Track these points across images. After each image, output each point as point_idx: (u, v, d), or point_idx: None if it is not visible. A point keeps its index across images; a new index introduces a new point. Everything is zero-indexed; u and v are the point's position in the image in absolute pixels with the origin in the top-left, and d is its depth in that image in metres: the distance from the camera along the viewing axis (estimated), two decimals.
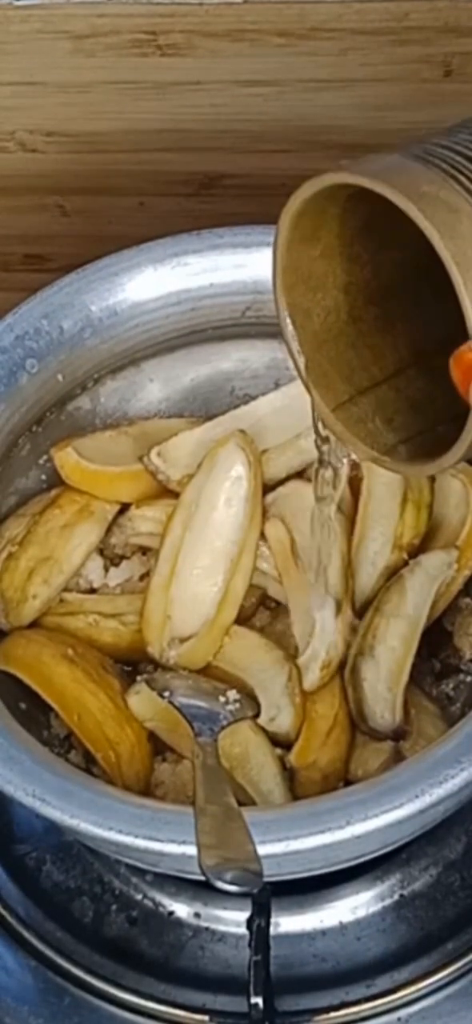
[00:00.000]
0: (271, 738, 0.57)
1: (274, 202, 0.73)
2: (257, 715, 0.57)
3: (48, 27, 0.68)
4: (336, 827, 0.48)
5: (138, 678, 0.59)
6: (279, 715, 0.57)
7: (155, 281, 0.64)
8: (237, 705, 0.57)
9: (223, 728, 0.55)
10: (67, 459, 0.64)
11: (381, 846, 0.54)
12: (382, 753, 0.57)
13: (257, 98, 0.71)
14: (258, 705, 0.58)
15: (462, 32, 0.68)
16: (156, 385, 0.68)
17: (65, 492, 0.64)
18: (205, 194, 0.76)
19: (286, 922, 0.59)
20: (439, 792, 0.49)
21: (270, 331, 0.65)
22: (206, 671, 0.60)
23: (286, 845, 0.48)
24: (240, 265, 0.64)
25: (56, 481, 0.65)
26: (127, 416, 0.68)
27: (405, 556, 0.61)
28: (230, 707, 0.57)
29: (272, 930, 0.55)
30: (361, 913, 0.60)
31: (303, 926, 0.59)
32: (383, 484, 0.62)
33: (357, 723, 0.58)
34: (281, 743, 0.57)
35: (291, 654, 0.60)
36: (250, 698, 0.58)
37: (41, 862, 0.62)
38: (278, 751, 0.57)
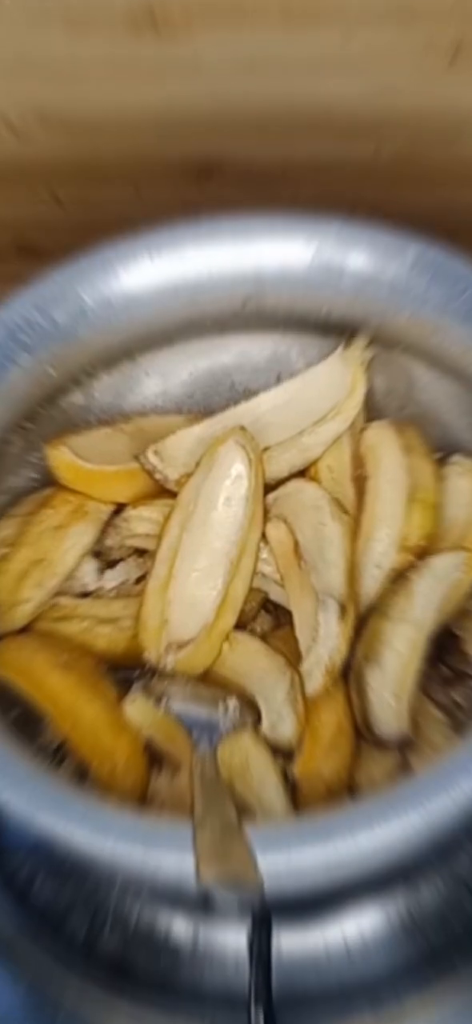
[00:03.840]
0: (273, 746, 0.56)
1: (276, 189, 0.73)
2: (258, 723, 0.56)
3: (40, 4, 0.67)
4: (341, 842, 0.48)
5: (134, 685, 0.58)
6: (281, 723, 0.56)
7: (152, 271, 0.63)
8: (237, 713, 0.56)
9: (223, 737, 0.55)
10: (61, 458, 0.63)
11: (388, 863, 0.52)
12: (388, 763, 0.55)
13: (258, 82, 0.70)
14: (259, 713, 0.57)
15: (469, 17, 0.67)
16: (153, 380, 0.67)
17: (58, 492, 0.63)
18: (204, 181, 0.74)
19: (288, 939, 0.58)
20: (448, 805, 0.48)
21: (271, 323, 0.66)
22: (205, 678, 0.59)
23: (288, 860, 0.47)
24: (240, 254, 0.63)
25: (49, 480, 0.64)
26: (123, 412, 0.67)
27: (412, 558, 0.60)
28: (230, 715, 0.56)
29: (274, 948, 0.54)
30: (366, 929, 0.58)
31: (306, 943, 0.58)
32: (389, 483, 0.61)
33: (362, 731, 0.57)
34: (283, 751, 0.56)
35: (293, 660, 0.58)
36: (251, 705, 0.57)
37: (34, 878, 0.60)
38: (280, 760, 0.56)
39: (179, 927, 0.58)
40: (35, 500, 0.63)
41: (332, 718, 0.57)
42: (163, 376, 0.67)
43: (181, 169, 0.74)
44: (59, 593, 0.62)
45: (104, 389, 0.66)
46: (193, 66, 0.69)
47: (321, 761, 0.56)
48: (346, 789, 0.56)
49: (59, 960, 0.58)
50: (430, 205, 0.74)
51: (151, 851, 0.48)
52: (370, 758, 0.56)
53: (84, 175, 0.74)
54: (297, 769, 0.55)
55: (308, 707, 0.57)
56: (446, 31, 0.67)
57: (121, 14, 0.67)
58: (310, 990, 0.58)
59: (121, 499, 0.63)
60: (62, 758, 0.58)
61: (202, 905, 0.57)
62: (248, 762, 0.55)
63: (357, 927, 0.58)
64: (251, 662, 0.59)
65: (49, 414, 0.64)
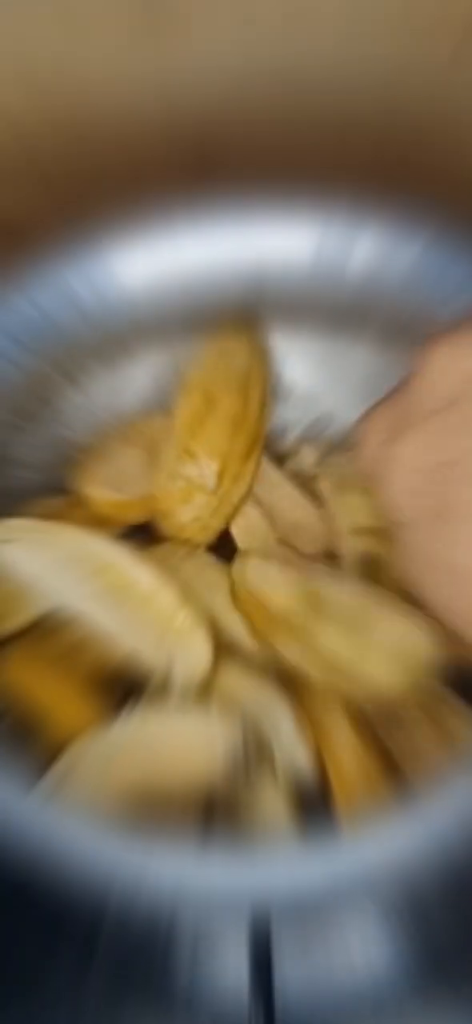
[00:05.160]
0: (291, 781, 0.56)
1: (277, 176, 0.67)
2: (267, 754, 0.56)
3: None
4: (343, 865, 0.48)
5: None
6: (296, 756, 0.56)
7: (147, 263, 0.61)
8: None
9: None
10: (99, 495, 0.62)
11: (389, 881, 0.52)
12: None
13: (258, 69, 0.67)
14: (261, 739, 0.57)
15: None
16: (150, 377, 0.66)
17: (70, 506, 0.63)
18: (203, 171, 0.71)
19: (291, 960, 0.58)
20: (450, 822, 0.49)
21: (273, 318, 0.64)
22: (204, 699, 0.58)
23: (291, 879, 0.48)
24: (240, 246, 0.61)
25: (47, 481, 0.63)
26: (119, 410, 0.65)
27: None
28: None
29: (275, 965, 0.56)
30: (369, 945, 0.59)
31: (308, 957, 0.58)
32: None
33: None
34: (302, 783, 0.56)
35: (288, 674, 0.57)
36: (253, 731, 0.56)
37: (29, 891, 0.58)
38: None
39: (179, 950, 0.59)
40: (45, 509, 0.62)
41: (351, 756, 0.56)
42: (161, 373, 0.66)
43: (178, 152, 0.71)
44: None
45: (100, 387, 0.64)
46: (192, 53, 0.66)
47: (358, 797, 0.55)
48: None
49: (57, 979, 0.58)
50: (456, 167, 0.70)
51: (147, 869, 0.48)
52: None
53: (74, 157, 0.71)
54: (340, 812, 0.55)
55: (321, 737, 0.56)
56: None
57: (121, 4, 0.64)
58: (312, 1008, 0.58)
59: (144, 519, 0.63)
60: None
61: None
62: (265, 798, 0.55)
63: (360, 943, 0.59)
64: (244, 690, 0.57)
65: (44, 412, 0.63)
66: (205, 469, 0.61)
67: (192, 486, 0.61)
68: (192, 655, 0.57)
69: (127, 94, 0.68)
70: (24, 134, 0.70)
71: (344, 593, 0.57)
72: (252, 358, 0.63)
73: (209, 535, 0.62)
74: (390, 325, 0.61)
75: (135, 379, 0.65)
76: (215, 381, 0.62)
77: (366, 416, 0.49)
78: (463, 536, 0.44)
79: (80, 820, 0.50)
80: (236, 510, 0.62)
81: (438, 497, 0.44)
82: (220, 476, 0.61)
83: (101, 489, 0.62)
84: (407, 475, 0.45)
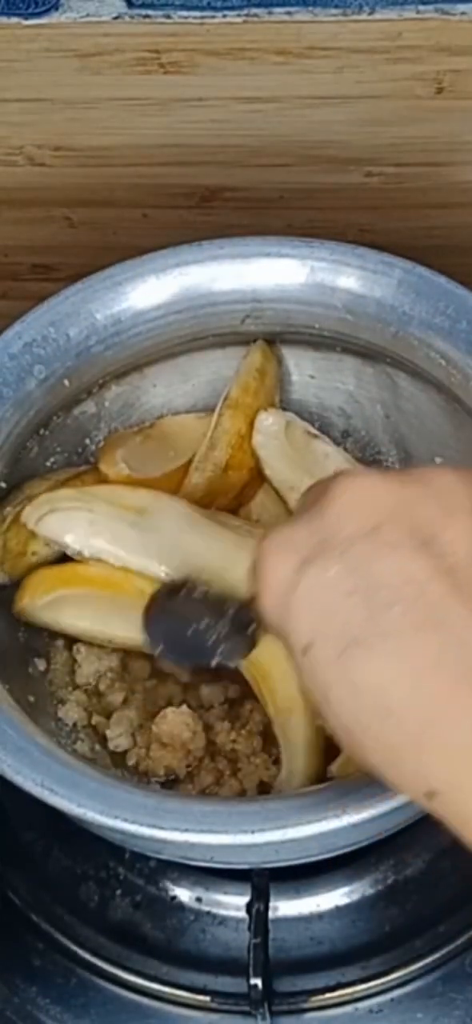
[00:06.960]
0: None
1: (272, 214, 0.75)
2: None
3: (55, 46, 0.69)
4: (332, 816, 0.48)
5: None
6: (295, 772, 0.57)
7: (157, 290, 0.64)
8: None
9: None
10: (119, 473, 0.65)
11: (375, 834, 0.55)
12: None
13: (256, 114, 0.72)
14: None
15: (453, 51, 0.68)
16: (159, 390, 0.69)
17: (90, 471, 0.65)
18: (206, 206, 0.76)
19: (284, 906, 0.60)
20: None
21: (268, 337, 0.68)
22: None
23: (284, 833, 0.48)
24: (239, 275, 0.65)
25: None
26: (131, 420, 0.69)
27: None
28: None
29: (271, 914, 0.56)
30: (356, 897, 0.61)
31: (300, 910, 0.61)
32: None
33: None
34: None
35: None
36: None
37: (49, 849, 0.63)
38: None
39: (183, 896, 0.61)
40: (68, 472, 0.65)
41: None
42: (168, 386, 0.69)
43: (185, 195, 0.75)
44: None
45: (114, 399, 0.68)
46: (196, 100, 0.71)
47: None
48: None
49: (73, 927, 0.60)
50: (415, 227, 0.76)
51: (158, 826, 0.48)
52: None
53: (95, 201, 0.76)
54: (337, 770, 0.56)
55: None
56: (431, 65, 0.69)
57: (130, 53, 0.69)
58: (304, 954, 0.60)
59: None
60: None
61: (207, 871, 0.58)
62: None
63: (348, 895, 0.60)
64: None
65: (63, 422, 0.66)
66: (234, 481, 0.65)
67: (214, 492, 0.65)
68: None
69: (144, 155, 0.74)
70: (56, 187, 0.75)
71: None
72: (276, 378, 0.67)
73: None
74: (371, 345, 0.65)
75: (146, 392, 0.69)
76: (256, 405, 0.66)
77: (268, 541, 0.44)
78: (380, 658, 0.40)
79: (96, 786, 0.50)
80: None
81: (355, 619, 0.40)
82: (242, 487, 0.65)
83: (118, 466, 0.65)
84: (322, 596, 0.41)
